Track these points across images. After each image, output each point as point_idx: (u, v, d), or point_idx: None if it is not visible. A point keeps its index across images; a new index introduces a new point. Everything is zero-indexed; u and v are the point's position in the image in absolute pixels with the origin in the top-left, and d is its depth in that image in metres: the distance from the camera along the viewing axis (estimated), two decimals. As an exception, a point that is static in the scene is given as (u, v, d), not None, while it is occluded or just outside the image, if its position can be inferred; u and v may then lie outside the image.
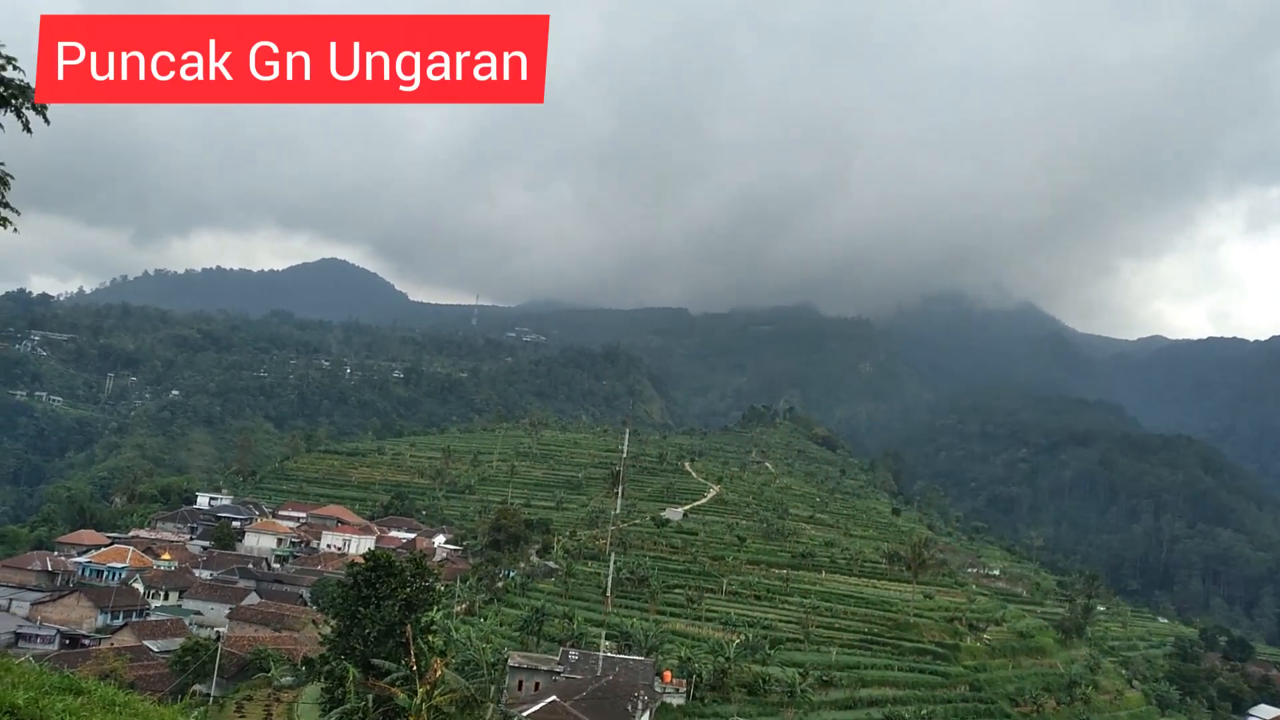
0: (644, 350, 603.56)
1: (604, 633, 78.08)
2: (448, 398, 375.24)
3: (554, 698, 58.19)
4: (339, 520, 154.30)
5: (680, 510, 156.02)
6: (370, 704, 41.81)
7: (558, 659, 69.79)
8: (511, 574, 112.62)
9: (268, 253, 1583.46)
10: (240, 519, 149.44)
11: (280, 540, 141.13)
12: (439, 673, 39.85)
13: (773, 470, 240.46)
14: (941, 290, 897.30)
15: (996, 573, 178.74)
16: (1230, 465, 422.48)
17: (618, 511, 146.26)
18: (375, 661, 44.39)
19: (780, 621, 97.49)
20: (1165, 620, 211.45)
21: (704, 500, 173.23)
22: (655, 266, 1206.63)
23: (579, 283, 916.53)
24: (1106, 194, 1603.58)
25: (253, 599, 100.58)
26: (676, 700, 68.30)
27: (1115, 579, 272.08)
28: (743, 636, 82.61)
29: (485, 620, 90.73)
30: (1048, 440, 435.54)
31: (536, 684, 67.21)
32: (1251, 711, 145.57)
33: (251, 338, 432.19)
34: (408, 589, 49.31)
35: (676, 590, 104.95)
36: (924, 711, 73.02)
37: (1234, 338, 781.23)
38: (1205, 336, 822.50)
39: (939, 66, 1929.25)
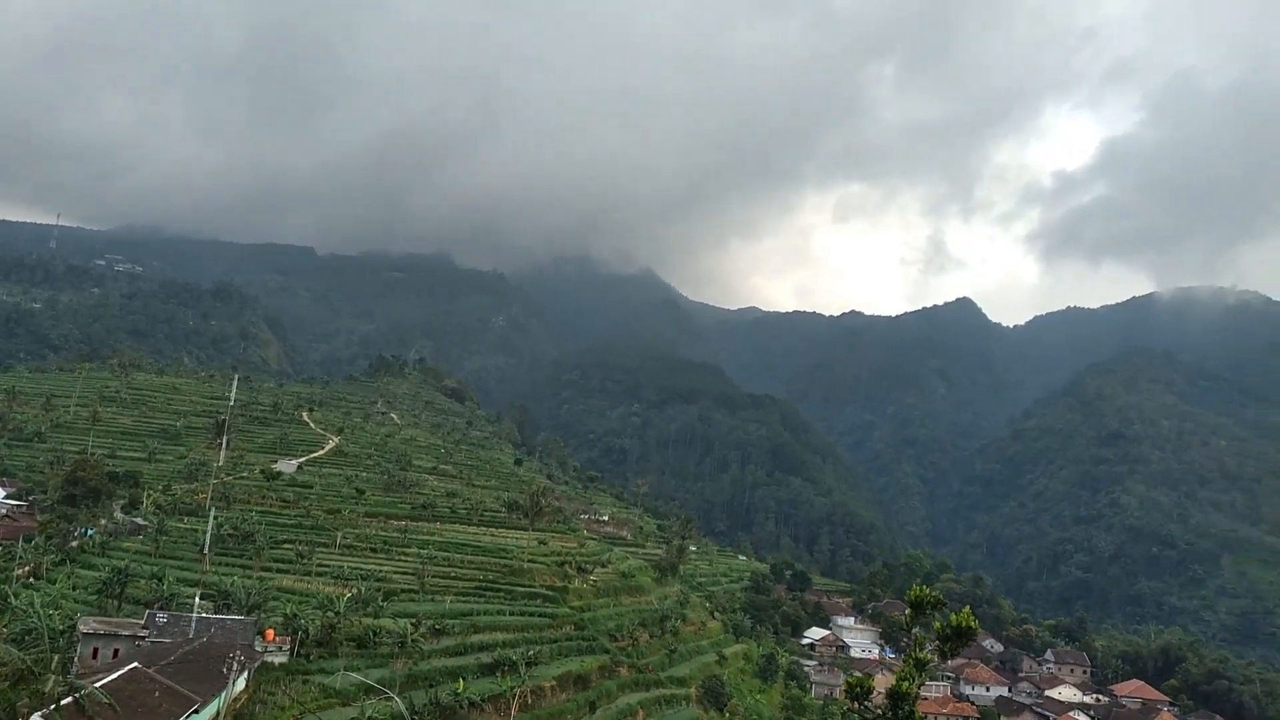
0: (262, 289, 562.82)
1: (199, 593, 72.22)
2: (15, 331, 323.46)
3: (136, 664, 52.85)
4: None
5: (295, 462, 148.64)
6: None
7: (142, 623, 63.47)
8: (90, 532, 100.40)
9: None
10: None
11: None
12: (-19, 647, 34.49)
13: (398, 421, 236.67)
14: (573, 251, 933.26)
15: (606, 518, 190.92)
16: (804, 423, 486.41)
17: (221, 463, 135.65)
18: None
19: (396, 573, 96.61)
20: (744, 558, 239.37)
21: (322, 452, 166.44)
22: (280, 199, 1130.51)
23: (188, 209, 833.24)
24: (726, 176, 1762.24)
25: None
26: (279, 659, 65.07)
27: (706, 522, 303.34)
28: (355, 590, 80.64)
29: (54, 584, 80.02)
30: (658, 396, 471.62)
31: (116, 651, 60.76)
32: (806, 633, 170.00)
33: None
34: (-56, 552, 41.96)
35: (286, 545, 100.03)
36: (531, 652, 76.10)
37: (814, 312, 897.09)
38: (791, 310, 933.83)
39: (596, 30, 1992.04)
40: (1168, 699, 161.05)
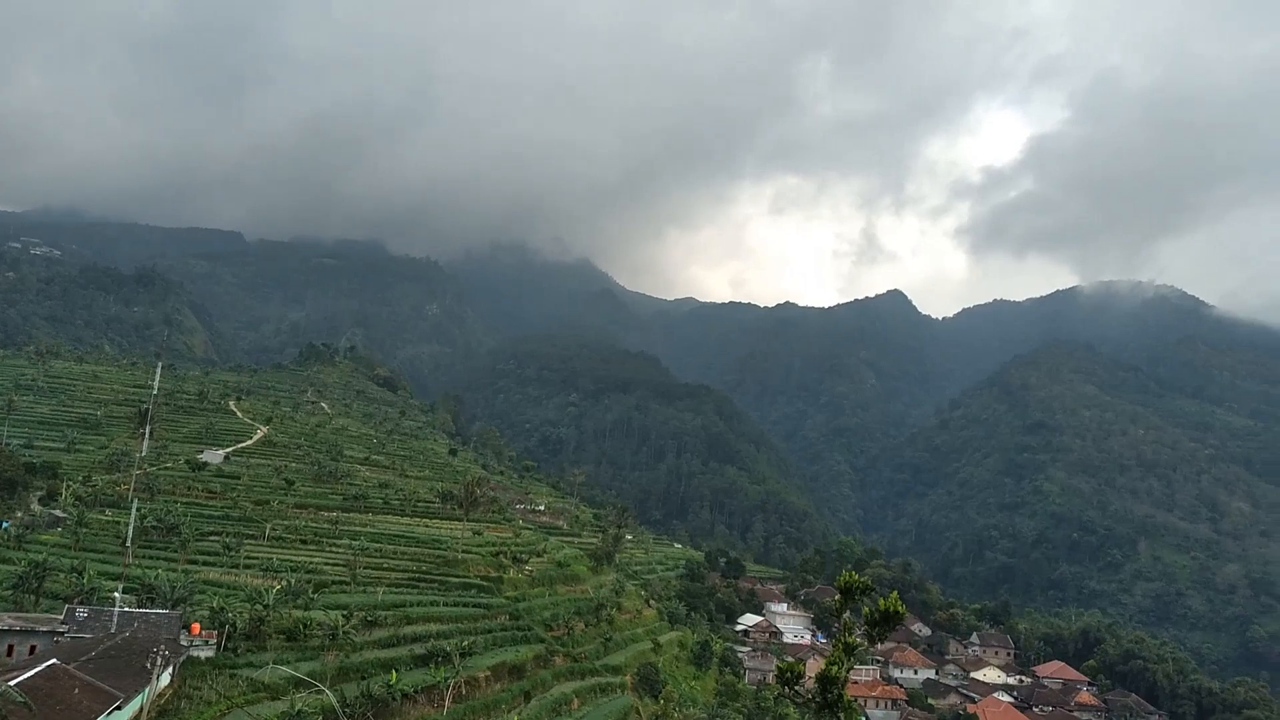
0: (187, 275, 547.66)
1: (121, 586, 70.20)
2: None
3: (54, 661, 51.19)
4: None
5: (221, 453, 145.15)
6: None
7: (62, 618, 61.49)
8: (4, 525, 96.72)
9: None
10: None
11: None
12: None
13: (329, 411, 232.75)
14: (509, 239, 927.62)
15: (542, 508, 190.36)
16: (738, 412, 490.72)
17: (144, 454, 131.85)
18: None
19: (327, 565, 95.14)
20: (680, 545, 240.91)
21: (250, 442, 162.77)
22: (206, 182, 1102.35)
23: (110, 192, 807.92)
24: (664, 166, 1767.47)
25: None
26: (206, 653, 63.58)
27: (642, 510, 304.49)
28: (284, 582, 79.15)
29: (-34, 580, 76.90)
30: (595, 386, 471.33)
31: (33, 647, 58.80)
32: (740, 620, 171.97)
33: None
34: None
35: (213, 537, 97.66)
36: (465, 643, 75.67)
37: (749, 303, 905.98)
38: (727, 301, 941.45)
39: (533, 17, 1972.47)
40: (1087, 679, 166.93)
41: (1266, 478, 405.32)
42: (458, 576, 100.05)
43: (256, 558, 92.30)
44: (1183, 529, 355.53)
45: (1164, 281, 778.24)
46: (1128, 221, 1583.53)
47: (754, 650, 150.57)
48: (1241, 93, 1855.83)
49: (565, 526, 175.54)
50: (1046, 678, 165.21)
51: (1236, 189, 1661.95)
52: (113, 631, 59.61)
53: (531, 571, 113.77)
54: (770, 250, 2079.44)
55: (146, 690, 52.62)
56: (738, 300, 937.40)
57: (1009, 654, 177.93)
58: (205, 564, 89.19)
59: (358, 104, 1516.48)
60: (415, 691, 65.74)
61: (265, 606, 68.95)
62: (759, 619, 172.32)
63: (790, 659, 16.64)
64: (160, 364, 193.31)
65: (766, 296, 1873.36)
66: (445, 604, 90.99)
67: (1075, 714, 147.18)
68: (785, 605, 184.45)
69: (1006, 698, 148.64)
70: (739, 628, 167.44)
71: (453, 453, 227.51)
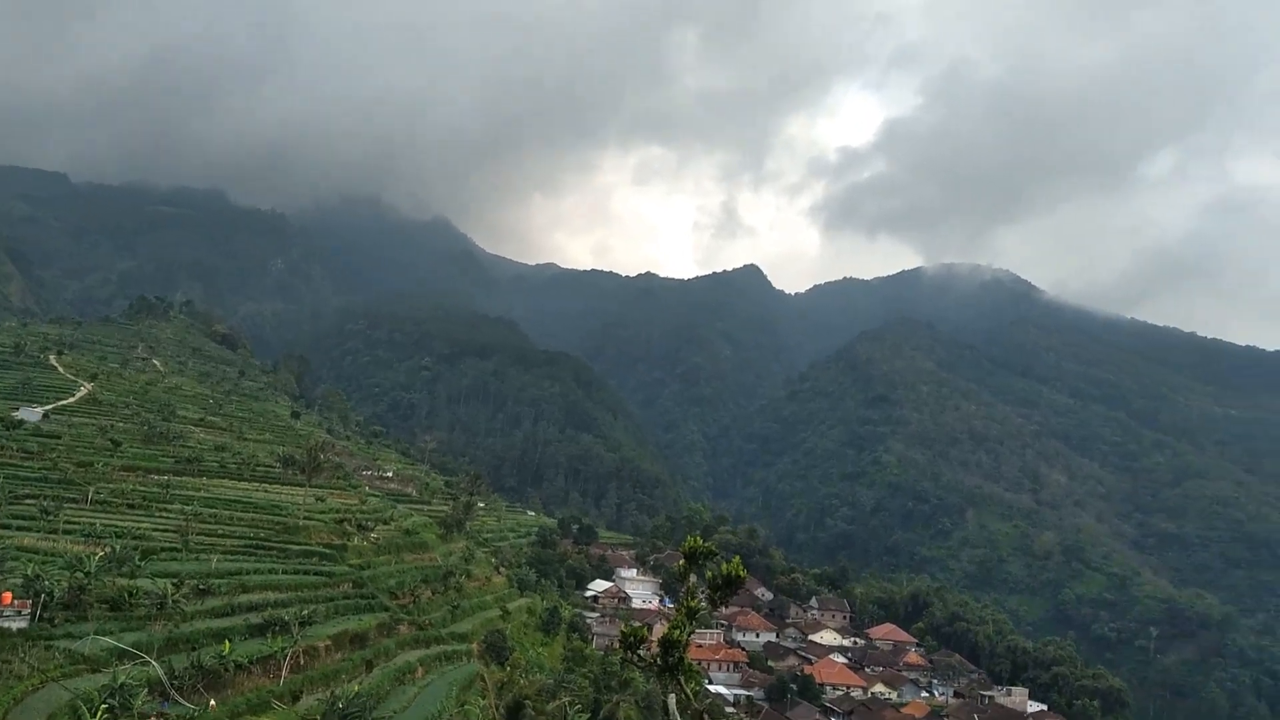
0: (3, 219, 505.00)
1: (-83, 554, 64.28)
2: None
3: None
4: None
5: (39, 410, 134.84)
6: None
7: None
8: None
9: None
10: None
11: None
12: None
13: (161, 368, 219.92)
14: (362, 193, 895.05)
15: (390, 474, 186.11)
16: (597, 380, 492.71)
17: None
18: None
19: (156, 531, 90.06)
20: (533, 513, 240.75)
21: (72, 400, 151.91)
22: (26, 117, 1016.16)
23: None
24: (528, 126, 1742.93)
25: None
26: (18, 624, 59.08)
27: (496, 478, 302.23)
28: (109, 549, 74.36)
29: None
30: (450, 350, 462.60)
31: None
32: (590, 586, 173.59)
33: None
34: None
35: (28, 501, 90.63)
36: (305, 611, 73.10)
37: (611, 271, 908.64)
38: (589, 268, 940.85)
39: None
40: (915, 640, 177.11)
41: (1082, 452, 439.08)
42: (298, 544, 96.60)
43: (78, 523, 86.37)
44: (1007, 499, 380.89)
45: (1000, 266, 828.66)
46: (970, 207, 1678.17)
47: (603, 616, 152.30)
48: (1078, 94, 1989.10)
49: (414, 494, 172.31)
50: (879, 639, 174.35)
51: (1068, 183, 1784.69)
52: (-95, 603, 54.58)
53: (377, 539, 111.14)
54: (633, 220, 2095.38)
55: (-56, 666, 48.45)
56: (600, 268, 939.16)
57: (845, 617, 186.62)
58: (19, 529, 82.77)
59: (202, 43, 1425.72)
60: (250, 662, 63.10)
61: (86, 574, 64.61)
62: (609, 585, 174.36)
63: (636, 624, 16.57)
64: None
65: (628, 265, 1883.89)
66: (284, 572, 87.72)
67: (904, 673, 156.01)
68: (635, 571, 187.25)
69: (841, 659, 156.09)
70: (589, 594, 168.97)
71: (295, 416, 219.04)
